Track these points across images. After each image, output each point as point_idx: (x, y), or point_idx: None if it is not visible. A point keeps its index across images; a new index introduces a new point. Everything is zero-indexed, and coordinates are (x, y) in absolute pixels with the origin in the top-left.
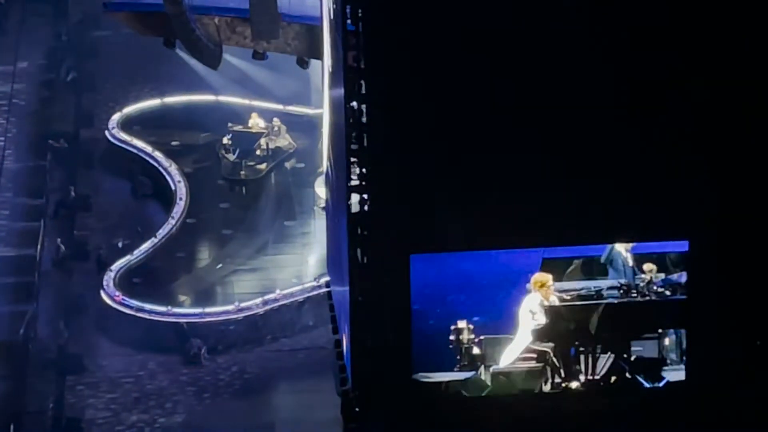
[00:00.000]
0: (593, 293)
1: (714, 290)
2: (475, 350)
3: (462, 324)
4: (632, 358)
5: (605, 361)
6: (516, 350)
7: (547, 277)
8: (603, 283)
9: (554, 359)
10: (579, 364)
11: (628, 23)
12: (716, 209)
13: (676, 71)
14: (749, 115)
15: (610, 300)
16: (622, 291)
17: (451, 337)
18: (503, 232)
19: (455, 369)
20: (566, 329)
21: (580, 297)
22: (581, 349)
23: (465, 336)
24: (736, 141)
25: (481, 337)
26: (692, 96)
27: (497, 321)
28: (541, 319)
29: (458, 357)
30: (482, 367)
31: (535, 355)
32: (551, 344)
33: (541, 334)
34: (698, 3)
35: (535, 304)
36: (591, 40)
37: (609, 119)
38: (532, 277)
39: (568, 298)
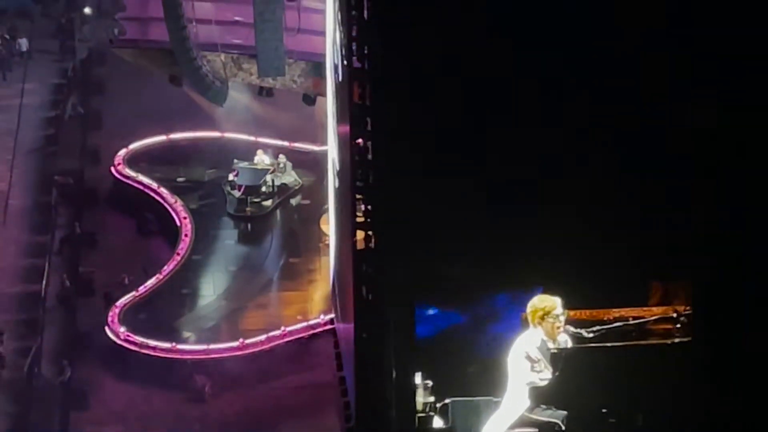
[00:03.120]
0: (631, 329)
1: (719, 332)
2: (437, 422)
3: (415, 380)
4: None
5: None
6: (505, 422)
7: (554, 303)
8: (646, 312)
9: None
10: None
11: (636, 64)
12: (720, 248)
13: (678, 117)
14: (755, 153)
15: (658, 339)
16: (678, 325)
17: None
18: (508, 278)
19: None
20: (586, 387)
21: (610, 334)
22: (611, 420)
23: (420, 398)
24: (741, 177)
25: (447, 401)
26: (695, 134)
27: (474, 372)
28: (545, 372)
29: None
30: None
31: (535, 430)
32: (562, 412)
33: (545, 396)
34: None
35: (533, 347)
36: (588, 104)
37: (610, 160)
38: (529, 303)
39: (589, 336)
